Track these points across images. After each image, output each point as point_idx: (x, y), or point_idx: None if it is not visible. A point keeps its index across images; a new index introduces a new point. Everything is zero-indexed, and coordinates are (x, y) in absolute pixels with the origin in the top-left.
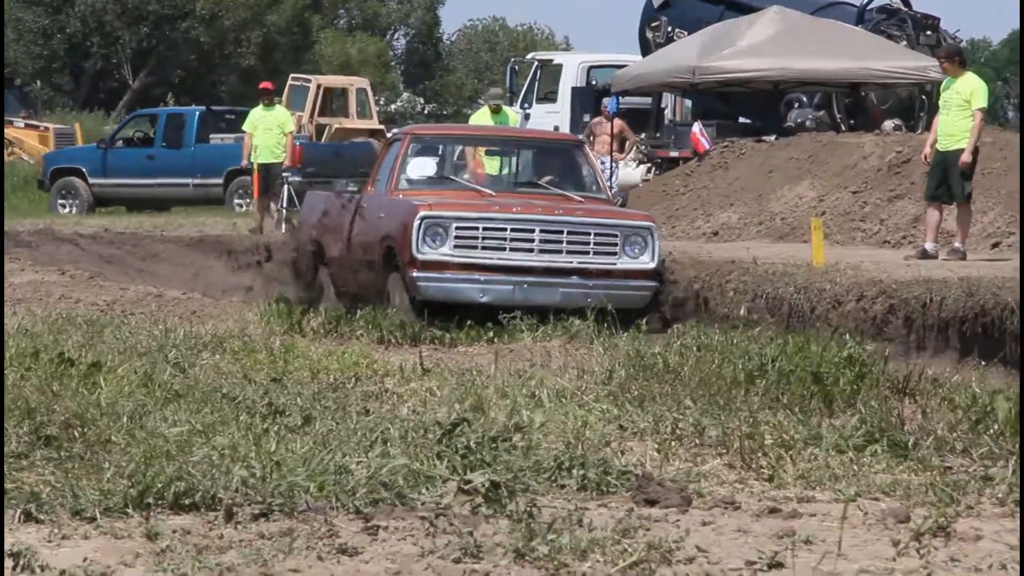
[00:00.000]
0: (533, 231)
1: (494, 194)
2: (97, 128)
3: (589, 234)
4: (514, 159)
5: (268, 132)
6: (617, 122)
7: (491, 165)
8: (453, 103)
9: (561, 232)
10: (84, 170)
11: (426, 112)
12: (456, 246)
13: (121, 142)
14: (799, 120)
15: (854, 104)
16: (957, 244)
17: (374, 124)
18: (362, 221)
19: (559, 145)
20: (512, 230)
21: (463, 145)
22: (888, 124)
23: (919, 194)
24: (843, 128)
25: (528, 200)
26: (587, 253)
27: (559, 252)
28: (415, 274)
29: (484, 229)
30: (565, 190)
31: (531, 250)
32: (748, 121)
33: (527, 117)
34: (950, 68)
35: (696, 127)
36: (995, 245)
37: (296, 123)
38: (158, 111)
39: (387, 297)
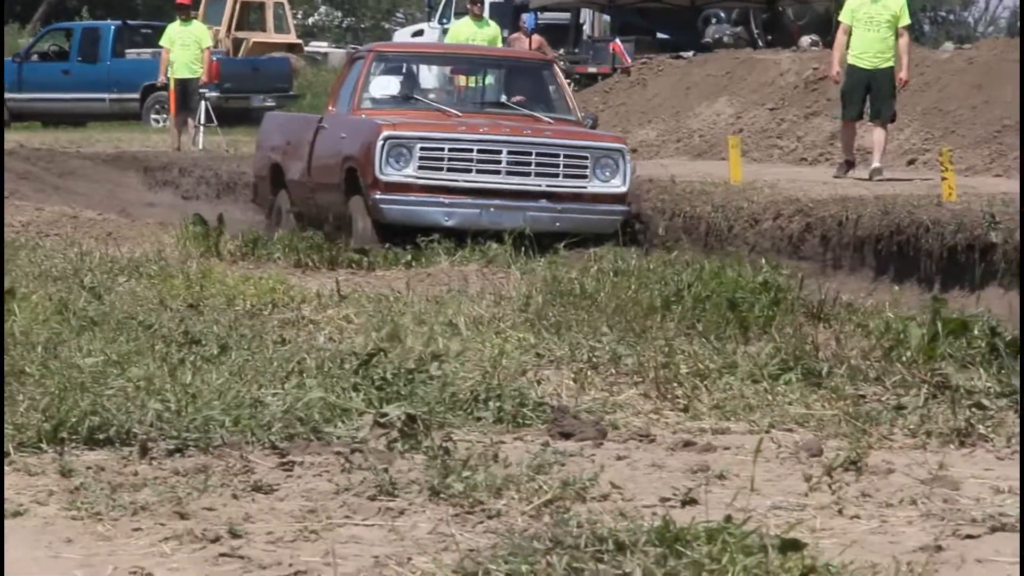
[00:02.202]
0: (500, 152)
1: (460, 114)
2: (11, 41)
3: (558, 156)
4: (481, 79)
5: (185, 48)
6: (535, 38)
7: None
8: (371, 16)
9: (529, 154)
10: None
11: (344, 26)
12: (421, 167)
13: (36, 56)
14: (717, 36)
15: (771, 20)
16: (877, 163)
17: (291, 39)
18: (323, 142)
19: (528, 65)
20: (479, 151)
21: (428, 64)
22: (805, 40)
23: (836, 111)
24: (760, 44)
25: (496, 120)
26: (556, 176)
27: (527, 175)
28: (378, 196)
29: (450, 150)
30: (534, 111)
31: (498, 172)
32: (666, 37)
33: (445, 32)
34: None
35: (616, 42)
36: (911, 162)
37: (213, 37)
38: (73, 25)
39: (348, 221)
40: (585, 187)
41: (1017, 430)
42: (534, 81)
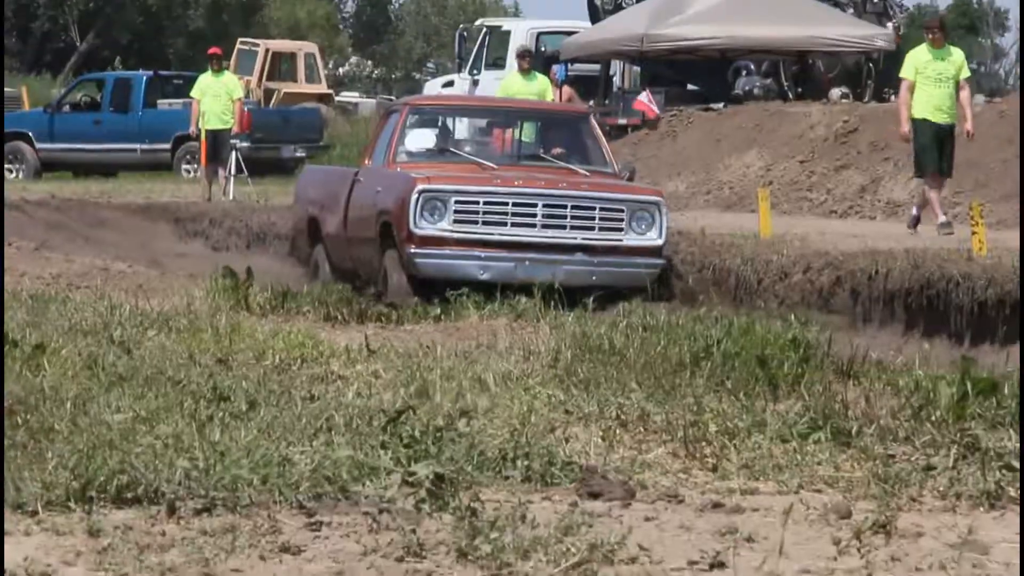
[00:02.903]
0: (536, 205)
1: (496, 167)
2: (44, 91)
3: (594, 209)
4: (517, 131)
5: (216, 98)
6: (566, 89)
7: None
8: (402, 67)
9: (565, 207)
10: (31, 134)
11: (375, 76)
12: (456, 221)
13: (68, 106)
14: (747, 88)
15: (801, 72)
16: (918, 212)
17: (322, 89)
18: (358, 196)
19: (564, 117)
20: (514, 204)
21: (463, 116)
22: (835, 92)
23: (865, 164)
24: (790, 96)
25: (531, 173)
26: (592, 229)
27: (563, 227)
28: (413, 250)
29: (485, 203)
30: (570, 163)
31: (534, 225)
32: (696, 88)
33: (475, 83)
34: (940, 38)
35: (643, 95)
36: None
37: (244, 88)
38: (105, 75)
39: (384, 275)
40: (621, 240)
41: None
42: (571, 133)
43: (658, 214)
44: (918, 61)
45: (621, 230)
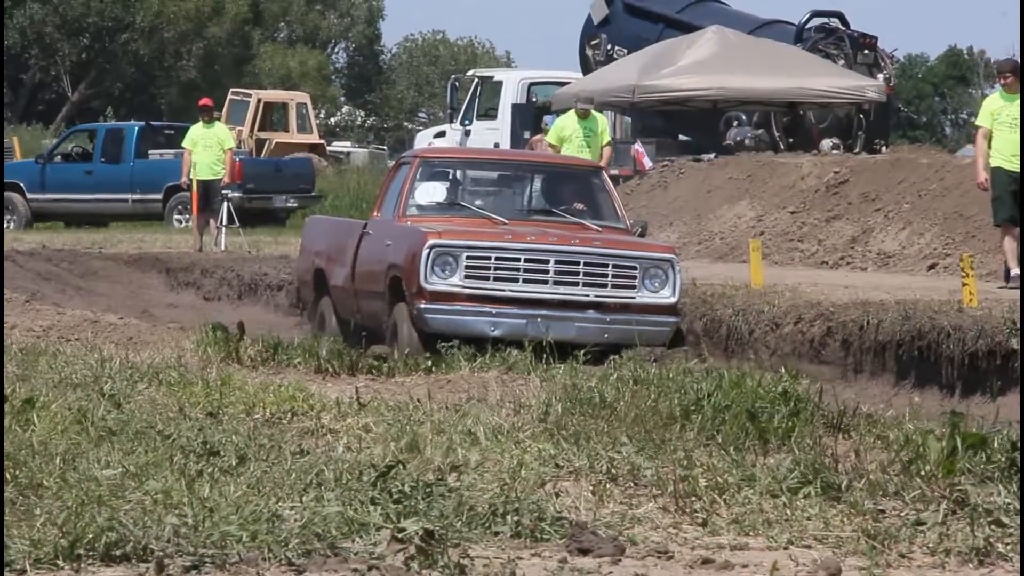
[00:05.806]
0: (548, 262)
1: (507, 222)
2: (35, 142)
3: (607, 266)
4: (529, 185)
5: (208, 149)
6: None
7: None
8: (394, 116)
9: (577, 263)
10: (22, 185)
11: (366, 126)
12: (467, 276)
13: (60, 157)
14: (738, 138)
15: (792, 123)
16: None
17: (314, 139)
18: (367, 249)
19: (576, 171)
20: (526, 260)
21: (475, 170)
22: (826, 143)
23: (856, 215)
24: (781, 146)
25: (543, 229)
26: (605, 286)
27: (575, 284)
28: (423, 306)
29: (496, 259)
30: (582, 218)
31: (546, 282)
32: (688, 139)
33: (467, 134)
34: (1013, 83)
35: (636, 145)
36: (932, 267)
37: (236, 138)
38: (97, 126)
39: (393, 329)
40: (634, 297)
41: None
42: (582, 187)
43: (671, 271)
44: (992, 107)
45: (634, 287)
